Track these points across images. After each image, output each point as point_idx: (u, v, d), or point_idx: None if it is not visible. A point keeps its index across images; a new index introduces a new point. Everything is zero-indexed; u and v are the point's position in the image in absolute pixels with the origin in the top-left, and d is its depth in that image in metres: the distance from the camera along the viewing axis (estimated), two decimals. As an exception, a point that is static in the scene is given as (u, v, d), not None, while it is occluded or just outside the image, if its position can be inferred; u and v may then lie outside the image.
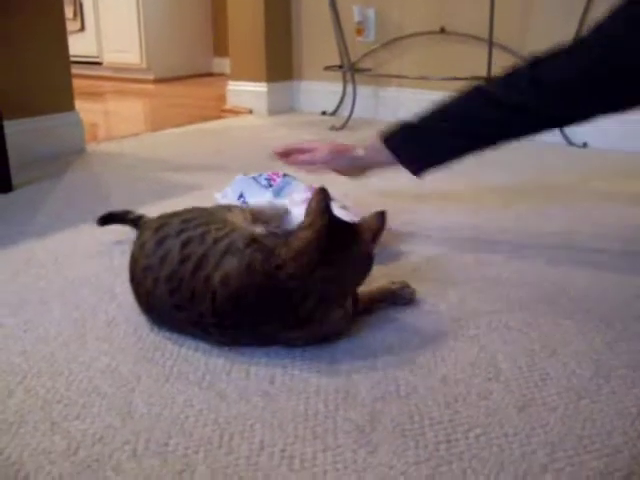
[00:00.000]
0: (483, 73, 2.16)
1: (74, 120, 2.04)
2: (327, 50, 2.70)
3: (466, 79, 1.90)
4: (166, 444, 0.65)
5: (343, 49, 2.56)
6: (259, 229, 0.96)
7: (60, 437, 0.66)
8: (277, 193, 1.18)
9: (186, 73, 4.49)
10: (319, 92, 2.84)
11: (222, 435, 0.67)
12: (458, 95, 1.11)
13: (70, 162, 1.89)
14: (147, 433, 0.67)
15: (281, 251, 0.80)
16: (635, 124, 2.06)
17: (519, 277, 1.07)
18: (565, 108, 1.04)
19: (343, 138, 2.11)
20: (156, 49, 4.25)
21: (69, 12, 4.20)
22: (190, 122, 2.63)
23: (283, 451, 0.64)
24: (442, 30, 2.43)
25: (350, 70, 2.60)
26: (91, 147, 2.10)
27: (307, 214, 0.82)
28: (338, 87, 2.72)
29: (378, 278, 1.04)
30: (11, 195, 1.55)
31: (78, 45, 4.11)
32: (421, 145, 1.14)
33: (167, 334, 0.87)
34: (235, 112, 2.86)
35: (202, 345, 0.84)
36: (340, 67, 2.63)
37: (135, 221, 1.13)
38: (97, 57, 4.41)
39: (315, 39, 2.80)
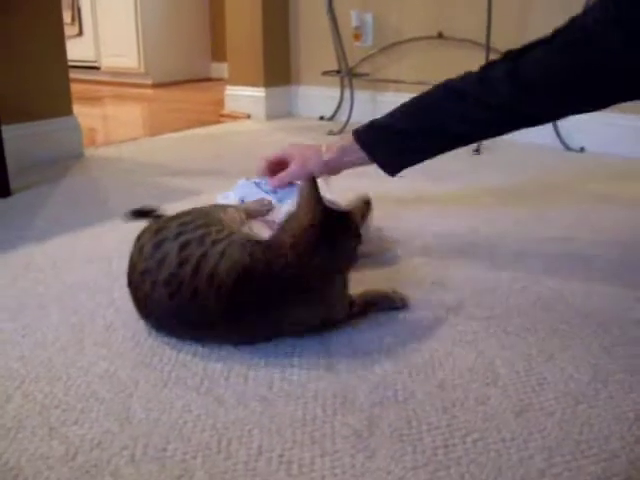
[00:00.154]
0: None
1: (72, 125, 2.04)
2: (325, 55, 2.70)
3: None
4: (164, 449, 0.65)
5: (341, 54, 2.56)
6: (255, 227, 0.98)
7: (58, 442, 0.66)
8: (280, 200, 1.16)
9: (184, 78, 4.50)
10: (317, 97, 2.85)
11: (220, 440, 0.67)
12: (430, 93, 1.09)
13: (68, 167, 1.89)
14: (145, 438, 0.67)
15: (280, 238, 0.83)
16: (632, 129, 2.07)
17: (517, 282, 1.07)
18: (542, 103, 1.02)
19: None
20: (154, 54, 4.26)
21: (67, 17, 4.21)
22: (188, 127, 2.63)
23: (281, 456, 0.64)
24: (440, 35, 2.43)
25: (348, 75, 2.61)
26: (89, 152, 2.10)
27: (299, 202, 0.85)
28: (336, 92, 2.73)
29: (376, 283, 1.05)
30: (9, 200, 1.55)
31: (76, 50, 4.11)
32: (397, 146, 1.11)
33: (165, 339, 0.87)
34: (233, 117, 2.87)
35: (200, 350, 0.84)
36: (338, 72, 2.64)
37: (158, 218, 1.13)
38: (95, 62, 4.42)
39: (313, 44, 2.81)
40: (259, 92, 2.82)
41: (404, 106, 1.11)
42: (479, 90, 1.04)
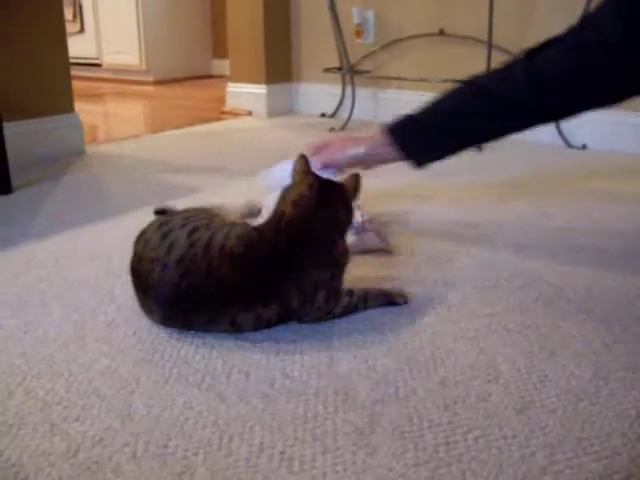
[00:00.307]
0: (482, 75, 2.16)
1: (74, 122, 2.04)
2: (326, 52, 2.70)
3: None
4: (166, 446, 0.65)
5: (342, 51, 2.56)
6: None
7: (60, 439, 0.66)
8: None
9: (185, 75, 4.49)
10: (318, 94, 2.84)
11: (222, 437, 0.67)
12: (456, 90, 1.14)
13: (70, 164, 1.89)
14: (147, 435, 0.67)
15: (280, 208, 0.89)
16: (634, 126, 2.07)
17: (518, 279, 1.07)
18: (558, 102, 1.06)
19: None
20: (155, 51, 4.25)
21: (68, 14, 4.20)
22: (190, 124, 2.63)
23: (283, 453, 0.64)
24: (441, 32, 2.43)
25: (349, 72, 2.60)
26: (91, 149, 2.10)
27: (293, 175, 0.92)
28: (337, 89, 2.73)
29: (377, 280, 1.05)
30: (11, 197, 1.55)
31: (77, 47, 4.11)
32: (426, 139, 1.16)
33: (167, 336, 0.87)
34: (234, 114, 2.87)
35: (202, 347, 0.84)
36: (339, 69, 2.63)
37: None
38: (97, 59, 4.41)
39: (314, 41, 2.80)
40: (260, 89, 2.81)
41: (430, 102, 1.16)
42: (502, 87, 1.08)
